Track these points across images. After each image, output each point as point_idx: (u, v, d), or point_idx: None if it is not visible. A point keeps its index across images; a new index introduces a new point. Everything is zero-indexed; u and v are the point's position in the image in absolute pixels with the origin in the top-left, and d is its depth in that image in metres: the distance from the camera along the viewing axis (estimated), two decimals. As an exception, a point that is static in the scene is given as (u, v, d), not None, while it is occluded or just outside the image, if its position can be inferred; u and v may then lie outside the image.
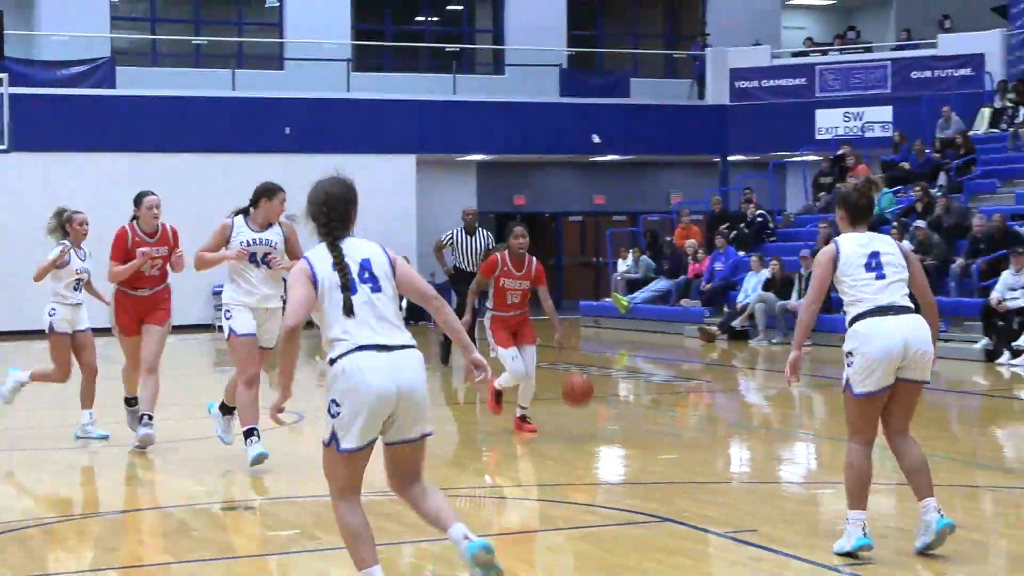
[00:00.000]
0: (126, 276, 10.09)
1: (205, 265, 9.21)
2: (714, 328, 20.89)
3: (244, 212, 9.07)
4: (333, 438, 5.00)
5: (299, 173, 23.16)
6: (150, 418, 9.97)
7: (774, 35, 31.68)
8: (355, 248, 5.25)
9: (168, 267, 9.86)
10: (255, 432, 9.30)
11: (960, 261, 19.79)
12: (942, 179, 23.72)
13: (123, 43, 28.57)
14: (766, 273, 20.80)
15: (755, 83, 29.11)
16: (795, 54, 30.81)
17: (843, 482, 6.79)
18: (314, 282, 5.09)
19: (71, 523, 8.08)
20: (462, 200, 26.71)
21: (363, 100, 27.35)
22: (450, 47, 31.12)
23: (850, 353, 6.55)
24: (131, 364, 10.08)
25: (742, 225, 24.43)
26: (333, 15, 29.12)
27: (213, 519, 8.05)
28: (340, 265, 5.13)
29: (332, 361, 5.07)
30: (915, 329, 6.49)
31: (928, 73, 27.99)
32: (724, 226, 23.93)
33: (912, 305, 6.66)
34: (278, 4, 29.51)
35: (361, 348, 4.99)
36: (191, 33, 29.75)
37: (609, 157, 29.56)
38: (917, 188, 22.98)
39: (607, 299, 25.43)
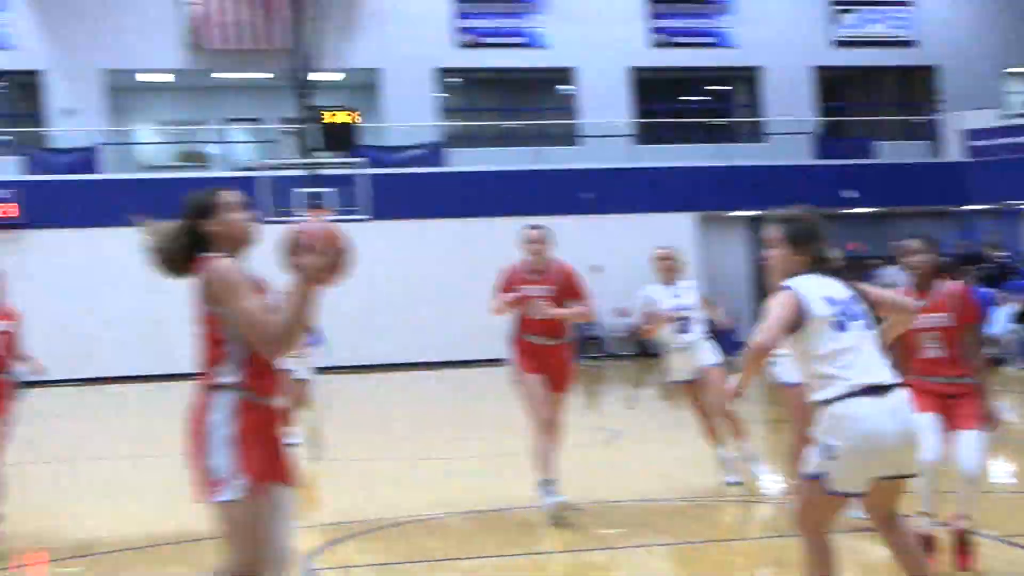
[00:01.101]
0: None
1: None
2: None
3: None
4: (823, 476, 4.79)
5: (593, 231, 25.86)
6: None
7: (998, 99, 31.79)
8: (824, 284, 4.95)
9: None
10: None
11: None
12: None
13: (449, 129, 29.88)
14: (1015, 306, 21.22)
15: (988, 143, 29.04)
16: (1020, 115, 30.51)
17: None
18: (802, 311, 4.81)
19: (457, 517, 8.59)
20: (736, 251, 28.99)
21: (645, 168, 28.42)
22: (717, 121, 32.26)
23: None
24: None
25: (988, 265, 24.22)
26: (616, 98, 30.33)
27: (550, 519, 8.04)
28: (835, 298, 4.88)
29: (827, 402, 4.82)
30: None
31: None
32: (973, 266, 23.66)
33: None
34: (573, 90, 30.81)
35: (863, 391, 4.76)
36: (502, 118, 31.44)
37: (858, 210, 29.21)
38: None
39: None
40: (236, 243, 4.47)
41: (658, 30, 30.76)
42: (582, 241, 25.89)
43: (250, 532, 4.39)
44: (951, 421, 6.27)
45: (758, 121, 31.59)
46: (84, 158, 26.30)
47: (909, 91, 33.49)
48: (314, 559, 7.32)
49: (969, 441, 6.19)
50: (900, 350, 6.04)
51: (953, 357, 6.34)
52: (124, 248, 8.57)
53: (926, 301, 6.15)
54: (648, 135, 30.14)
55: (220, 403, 4.38)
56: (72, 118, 27.28)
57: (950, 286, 6.41)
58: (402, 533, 8.28)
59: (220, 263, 4.29)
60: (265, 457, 4.42)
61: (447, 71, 30.17)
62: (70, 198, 25.00)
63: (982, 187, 28.53)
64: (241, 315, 4.25)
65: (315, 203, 23.31)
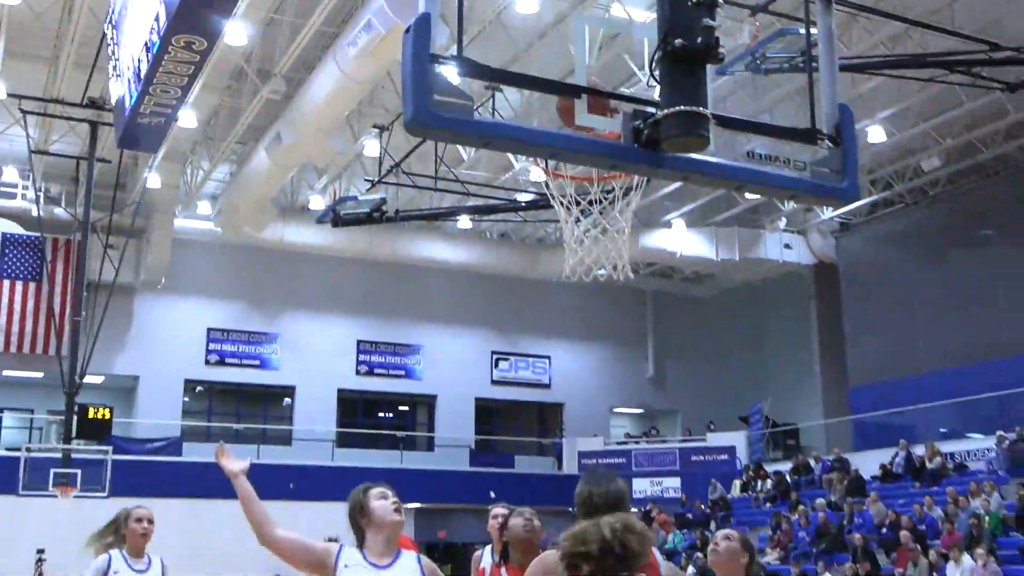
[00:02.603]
0: None
1: None
2: None
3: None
4: None
5: (303, 512, 26.16)
6: None
7: (605, 430, 33.14)
8: None
9: None
10: None
11: None
12: (712, 525, 24.46)
13: (188, 428, 29.50)
14: None
15: (594, 460, 29.96)
16: (619, 443, 31.86)
17: None
18: None
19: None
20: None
21: (344, 467, 27.77)
22: (400, 433, 31.78)
23: None
24: None
25: None
26: (326, 411, 30.72)
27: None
28: None
29: None
30: None
31: (702, 457, 29.23)
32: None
33: None
34: (290, 403, 30.96)
35: None
36: (235, 422, 30.89)
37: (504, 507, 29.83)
38: (697, 531, 24.46)
39: None
40: None
41: (361, 362, 31.66)
42: (287, 521, 27.10)
43: None
44: None
45: (432, 436, 32.31)
46: None
47: (542, 420, 34.43)
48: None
49: None
50: None
51: None
52: None
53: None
54: (348, 441, 30.59)
55: None
56: None
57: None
58: None
59: None
60: None
61: (193, 381, 30.12)
62: None
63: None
64: None
65: (62, 481, 22.00)
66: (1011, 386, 22.52)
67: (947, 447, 23.19)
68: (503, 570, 4.41)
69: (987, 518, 18.56)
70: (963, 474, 22.04)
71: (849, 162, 4.83)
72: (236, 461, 4.41)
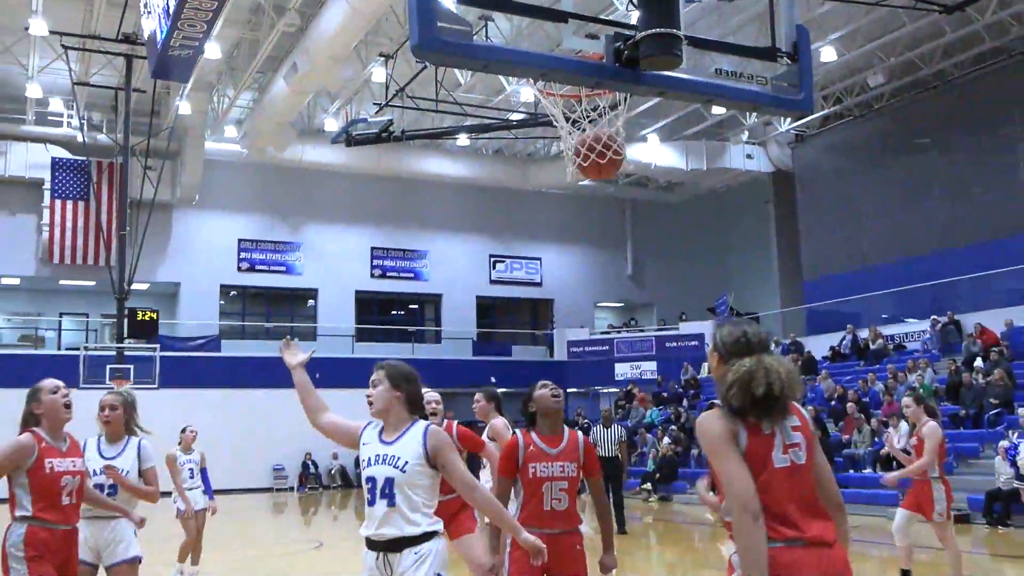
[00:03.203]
0: None
1: None
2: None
3: None
4: None
5: (325, 399, 26.80)
6: None
7: (590, 321, 33.45)
8: None
9: None
10: None
11: (695, 451, 21.01)
12: (684, 403, 24.86)
13: (225, 327, 29.45)
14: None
15: (581, 348, 30.31)
16: (602, 332, 31.78)
17: None
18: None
19: None
20: None
21: (362, 359, 25.90)
22: (411, 328, 31.38)
23: None
24: None
25: (577, 427, 23.59)
26: (345, 311, 30.49)
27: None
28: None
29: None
30: None
31: (675, 344, 29.15)
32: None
33: None
34: (313, 303, 30.93)
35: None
36: (264, 321, 30.77)
37: (501, 389, 29.77)
38: (671, 407, 24.75)
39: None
40: None
41: (375, 266, 31.63)
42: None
43: None
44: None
45: (439, 330, 32.50)
46: None
47: (535, 314, 34.63)
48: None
49: None
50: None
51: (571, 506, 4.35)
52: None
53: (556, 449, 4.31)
54: (365, 336, 30.55)
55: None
56: None
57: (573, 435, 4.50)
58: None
59: None
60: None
61: (228, 287, 30.27)
62: None
63: (576, 377, 29.41)
64: None
65: (118, 375, 22.26)
66: (943, 276, 22.73)
67: (888, 331, 23.44)
68: (533, 434, 4.41)
69: (921, 390, 18.82)
70: (901, 353, 22.27)
71: (805, 77, 4.83)
72: (298, 354, 4.31)
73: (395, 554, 3.65)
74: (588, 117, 6.38)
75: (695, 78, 4.66)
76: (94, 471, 5.09)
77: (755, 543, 2.75)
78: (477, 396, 6.52)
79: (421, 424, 3.94)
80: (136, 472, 5.28)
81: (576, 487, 4.26)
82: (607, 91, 5.92)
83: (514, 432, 4.24)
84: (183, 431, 9.96)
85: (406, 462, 3.76)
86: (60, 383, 4.51)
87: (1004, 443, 12.85)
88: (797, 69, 4.76)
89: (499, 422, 6.67)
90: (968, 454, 16.70)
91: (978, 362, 19.14)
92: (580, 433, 4.46)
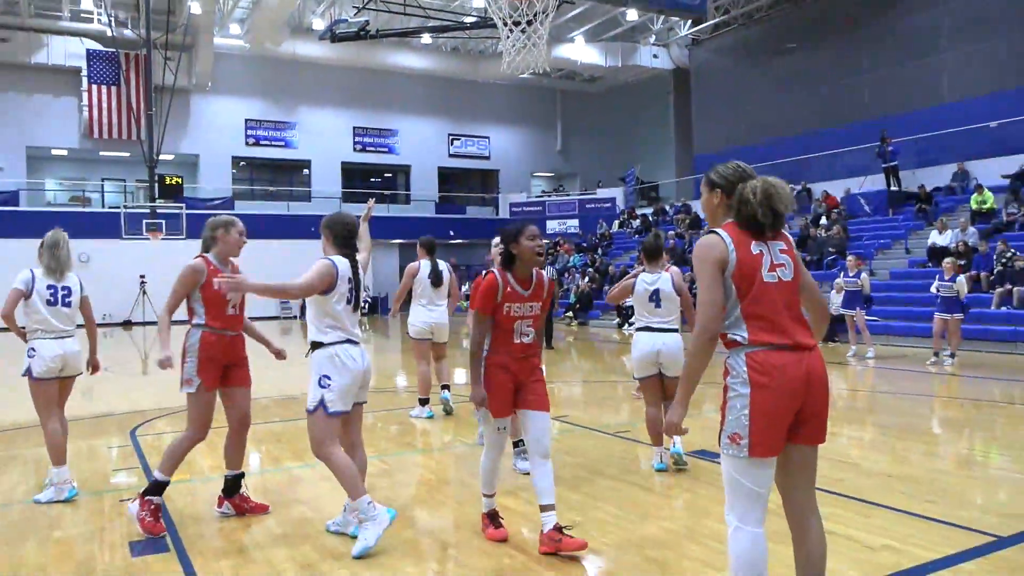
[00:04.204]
0: None
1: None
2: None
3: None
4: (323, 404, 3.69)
5: (314, 249, 26.66)
6: None
7: (527, 187, 33.48)
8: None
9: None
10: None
11: (606, 288, 20.13)
12: (599, 251, 25.11)
13: (237, 190, 28.89)
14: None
15: (520, 208, 30.12)
16: (537, 197, 31.90)
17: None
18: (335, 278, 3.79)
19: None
20: (391, 262, 28.53)
21: None
22: (387, 192, 30.43)
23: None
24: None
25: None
26: (333, 178, 29.59)
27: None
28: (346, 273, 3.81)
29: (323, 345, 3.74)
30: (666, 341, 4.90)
31: (593, 205, 29.25)
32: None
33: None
34: (307, 172, 30.95)
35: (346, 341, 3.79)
36: (269, 185, 29.64)
37: (456, 241, 28.62)
38: (589, 254, 24.88)
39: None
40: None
41: (357, 142, 30.75)
42: (308, 253, 27.27)
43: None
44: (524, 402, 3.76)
45: (408, 194, 31.95)
46: (13, 197, 24.96)
47: (484, 182, 33.95)
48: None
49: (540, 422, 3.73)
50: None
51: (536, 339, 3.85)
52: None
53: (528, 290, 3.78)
54: (350, 198, 29.38)
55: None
56: (2, 174, 25.85)
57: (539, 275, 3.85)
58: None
59: None
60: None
61: (238, 158, 29.34)
62: (3, 221, 23.31)
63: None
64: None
65: (152, 228, 22.07)
66: (801, 154, 22.88)
67: (756, 195, 23.68)
68: (509, 275, 3.79)
69: (779, 241, 19.15)
70: (769, 214, 22.54)
71: (700, -12, 4.66)
72: (370, 211, 4.38)
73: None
74: (526, 18, 6.15)
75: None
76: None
77: (699, 360, 2.59)
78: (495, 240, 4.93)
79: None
80: None
81: (540, 322, 3.85)
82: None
83: (490, 271, 3.78)
84: None
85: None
86: (243, 228, 4.30)
87: (839, 280, 13.27)
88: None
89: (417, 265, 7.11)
90: (810, 289, 17.16)
91: (822, 220, 19.49)
92: (544, 273, 3.91)
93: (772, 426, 2.52)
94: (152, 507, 4.07)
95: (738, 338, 2.59)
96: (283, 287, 3.78)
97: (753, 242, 2.62)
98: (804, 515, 2.65)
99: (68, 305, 4.78)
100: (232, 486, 4.39)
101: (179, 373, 4.12)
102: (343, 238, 3.94)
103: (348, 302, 3.88)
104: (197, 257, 4.27)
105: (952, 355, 11.25)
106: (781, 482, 2.66)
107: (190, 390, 4.07)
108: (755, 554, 2.53)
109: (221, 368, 4.20)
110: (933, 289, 11.49)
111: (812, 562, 2.63)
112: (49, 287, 4.71)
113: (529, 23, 6.18)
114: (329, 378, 3.75)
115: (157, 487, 4.13)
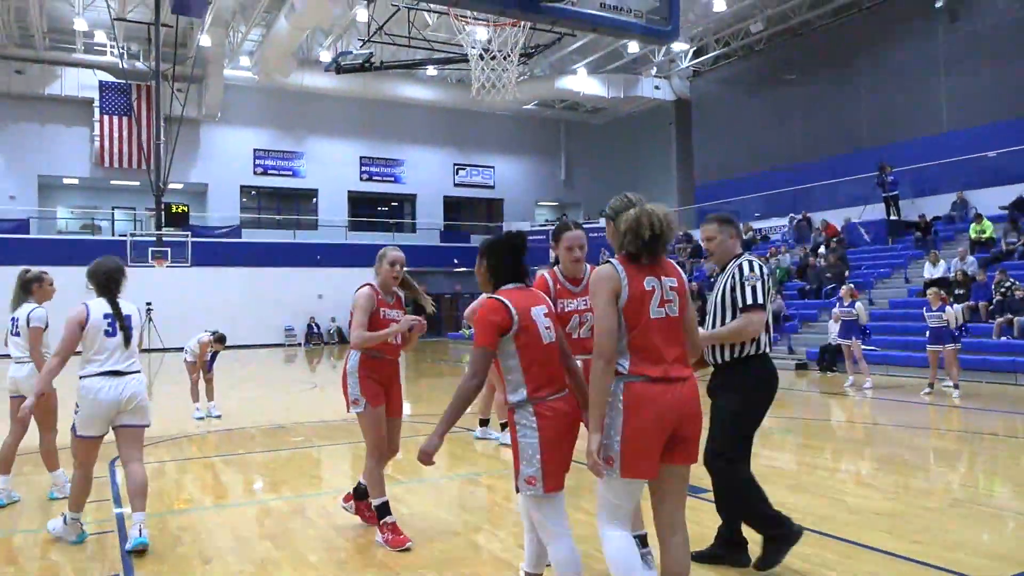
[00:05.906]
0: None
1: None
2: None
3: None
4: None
5: (322, 276, 25.87)
6: None
7: (531, 216, 33.25)
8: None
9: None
10: None
11: None
12: None
13: (245, 219, 28.83)
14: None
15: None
16: (541, 226, 30.51)
17: None
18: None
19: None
20: None
21: (354, 244, 27.15)
22: (392, 220, 31.45)
23: None
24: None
25: None
26: (340, 206, 29.78)
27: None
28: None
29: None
30: None
31: (597, 234, 28.88)
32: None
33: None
34: (315, 201, 31.25)
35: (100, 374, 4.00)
36: (276, 214, 29.43)
37: (460, 269, 28.87)
38: None
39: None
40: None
41: (363, 171, 30.81)
42: (314, 281, 27.14)
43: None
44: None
45: (414, 222, 32.01)
46: (23, 225, 25.05)
47: (489, 210, 33.95)
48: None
49: None
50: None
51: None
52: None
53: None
54: (356, 227, 30.03)
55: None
56: (14, 202, 26.14)
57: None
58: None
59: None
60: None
61: (246, 187, 29.40)
62: (14, 248, 23.17)
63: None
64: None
65: (158, 256, 21.85)
66: (800, 183, 22.74)
67: (757, 225, 23.40)
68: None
69: (778, 271, 19.07)
70: (766, 242, 22.26)
71: (674, 11, 4.55)
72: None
73: None
74: (501, 51, 6.04)
75: (581, 9, 4.36)
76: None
77: (600, 384, 2.67)
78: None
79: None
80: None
81: None
82: (511, 21, 5.58)
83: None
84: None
85: None
86: (400, 259, 4.40)
87: (835, 309, 13.02)
88: (667, 4, 4.48)
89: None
90: (809, 319, 17.00)
91: (821, 249, 19.31)
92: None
93: (643, 451, 2.67)
94: (390, 525, 4.26)
95: (619, 368, 2.71)
96: (47, 368, 4.13)
97: (647, 277, 2.74)
98: (673, 530, 2.82)
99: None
100: (365, 492, 4.59)
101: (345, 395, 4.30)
102: (101, 285, 4.30)
103: (108, 334, 4.17)
104: (365, 285, 4.42)
105: (955, 386, 10.97)
106: (653, 498, 2.85)
107: (358, 410, 4.28)
108: (627, 552, 2.72)
109: (381, 388, 4.36)
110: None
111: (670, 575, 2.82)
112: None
113: (506, 57, 6.11)
114: (78, 405, 4.14)
115: (381, 511, 4.28)
